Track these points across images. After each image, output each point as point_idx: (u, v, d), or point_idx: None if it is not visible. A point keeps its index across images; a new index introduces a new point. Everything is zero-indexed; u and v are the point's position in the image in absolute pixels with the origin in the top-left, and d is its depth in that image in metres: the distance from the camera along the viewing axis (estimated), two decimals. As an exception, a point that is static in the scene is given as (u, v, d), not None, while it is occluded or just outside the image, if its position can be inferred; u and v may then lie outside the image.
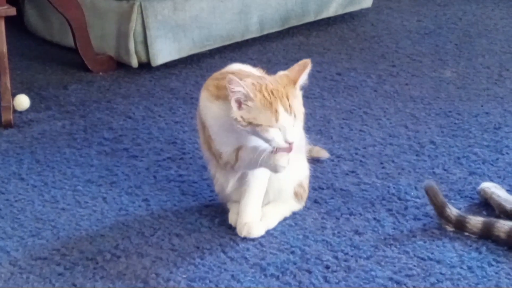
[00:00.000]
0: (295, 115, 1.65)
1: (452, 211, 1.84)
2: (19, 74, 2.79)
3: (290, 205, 1.92)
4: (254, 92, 1.63)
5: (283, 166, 1.70)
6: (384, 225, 1.88)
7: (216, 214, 1.92)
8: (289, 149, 1.67)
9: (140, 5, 2.76)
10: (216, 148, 1.77)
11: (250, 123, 1.64)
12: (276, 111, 1.63)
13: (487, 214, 1.90)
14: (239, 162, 1.75)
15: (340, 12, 3.38)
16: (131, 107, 2.56)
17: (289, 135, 1.65)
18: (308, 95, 2.63)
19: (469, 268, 1.72)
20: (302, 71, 1.70)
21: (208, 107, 1.75)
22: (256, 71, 1.80)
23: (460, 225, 1.82)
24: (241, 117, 1.64)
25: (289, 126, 1.64)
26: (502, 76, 2.80)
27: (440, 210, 1.85)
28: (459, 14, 3.50)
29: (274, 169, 1.72)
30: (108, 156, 2.23)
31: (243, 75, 1.71)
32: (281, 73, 1.73)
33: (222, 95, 1.70)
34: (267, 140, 1.66)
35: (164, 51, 2.82)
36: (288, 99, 1.65)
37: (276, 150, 1.67)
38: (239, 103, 1.64)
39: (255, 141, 1.69)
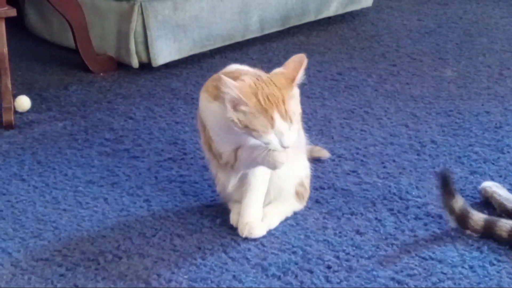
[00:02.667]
0: (291, 120, 1.64)
1: (458, 202, 1.81)
2: (19, 75, 2.79)
3: (291, 205, 1.92)
4: (249, 97, 1.62)
5: (281, 162, 1.68)
6: (386, 225, 1.88)
7: (217, 214, 1.92)
8: None
9: (141, 5, 2.76)
10: (216, 148, 1.77)
11: (246, 126, 1.64)
12: (272, 118, 1.62)
13: (488, 213, 1.89)
14: (238, 162, 1.75)
15: (341, 11, 3.38)
16: (132, 108, 2.56)
17: (285, 140, 1.64)
18: (308, 94, 2.64)
19: (471, 267, 1.71)
20: (299, 68, 1.67)
21: (208, 108, 1.75)
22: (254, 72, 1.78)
23: (462, 220, 1.81)
24: (237, 119, 1.64)
25: (285, 131, 1.64)
26: (502, 75, 2.80)
27: (446, 198, 1.82)
28: (460, 13, 3.50)
29: (273, 166, 1.70)
30: (109, 156, 2.23)
31: (241, 73, 1.70)
32: (277, 70, 1.71)
33: (221, 96, 1.69)
34: (263, 143, 1.66)
35: (164, 51, 2.82)
36: (284, 104, 1.63)
37: None
38: (234, 105, 1.64)
39: (254, 140, 1.68)
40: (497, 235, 1.78)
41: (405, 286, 1.66)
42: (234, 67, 1.81)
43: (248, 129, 1.64)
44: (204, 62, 2.93)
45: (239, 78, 1.66)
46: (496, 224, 1.79)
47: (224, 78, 1.61)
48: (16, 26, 3.06)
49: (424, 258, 1.75)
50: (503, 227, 1.78)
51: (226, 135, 1.73)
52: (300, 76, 1.68)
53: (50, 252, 1.79)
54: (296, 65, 1.68)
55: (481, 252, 1.76)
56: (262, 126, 1.63)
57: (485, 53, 3.01)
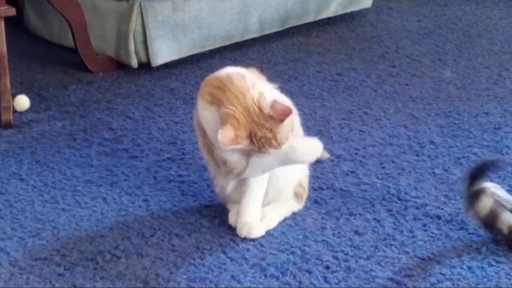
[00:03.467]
0: (283, 144, 1.69)
1: (477, 184, 1.79)
2: (19, 74, 2.79)
3: (290, 205, 1.92)
4: (244, 139, 1.65)
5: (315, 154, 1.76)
6: (384, 225, 1.88)
7: (216, 214, 1.92)
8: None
9: (140, 5, 2.76)
10: (220, 156, 1.75)
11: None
12: (266, 151, 1.68)
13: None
14: (250, 168, 1.74)
15: (340, 12, 3.38)
16: (131, 108, 2.56)
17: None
18: (308, 95, 2.65)
19: (469, 268, 1.72)
20: (286, 116, 1.66)
21: (206, 115, 1.72)
22: (249, 73, 1.76)
23: (471, 199, 1.78)
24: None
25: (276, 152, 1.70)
26: (502, 76, 2.80)
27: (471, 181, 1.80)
28: (459, 14, 3.50)
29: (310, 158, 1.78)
30: (108, 156, 2.23)
31: (229, 100, 1.68)
32: (266, 105, 1.66)
33: (218, 103, 1.69)
34: None
35: (164, 51, 2.82)
36: (277, 140, 1.67)
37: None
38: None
39: None
40: (498, 228, 1.76)
41: (404, 286, 1.66)
42: (229, 70, 1.76)
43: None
44: (204, 62, 2.93)
45: (225, 113, 1.66)
46: (500, 216, 1.76)
47: (222, 140, 1.62)
48: (15, 25, 3.06)
49: (422, 259, 1.75)
50: (505, 221, 1.76)
51: None
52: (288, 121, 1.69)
53: (49, 252, 1.79)
54: (283, 114, 1.66)
55: (480, 253, 1.76)
56: (257, 155, 1.70)
57: (484, 54, 3.01)
